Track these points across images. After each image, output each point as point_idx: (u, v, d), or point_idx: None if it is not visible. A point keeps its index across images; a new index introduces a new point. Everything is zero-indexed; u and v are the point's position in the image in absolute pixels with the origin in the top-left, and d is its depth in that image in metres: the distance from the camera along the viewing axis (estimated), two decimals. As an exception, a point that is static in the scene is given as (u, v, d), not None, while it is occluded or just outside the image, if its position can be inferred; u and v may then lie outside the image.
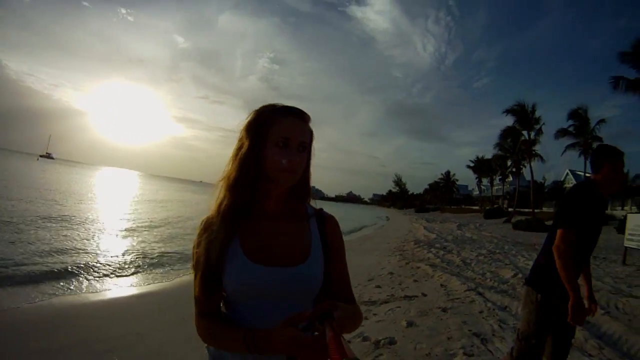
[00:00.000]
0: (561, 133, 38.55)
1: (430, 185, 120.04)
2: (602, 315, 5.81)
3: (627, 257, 12.43)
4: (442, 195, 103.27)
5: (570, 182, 62.05)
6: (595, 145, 32.71)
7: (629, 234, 12.31)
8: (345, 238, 1.46)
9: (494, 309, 5.93)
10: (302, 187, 1.30)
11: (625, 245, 12.43)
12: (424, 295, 6.86)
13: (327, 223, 1.34)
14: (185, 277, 8.56)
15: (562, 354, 2.72)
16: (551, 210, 48.36)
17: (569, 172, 65.34)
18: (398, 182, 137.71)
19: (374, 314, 5.67)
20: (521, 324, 2.77)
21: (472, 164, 71.86)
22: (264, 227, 1.25)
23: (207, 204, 1.30)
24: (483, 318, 5.50)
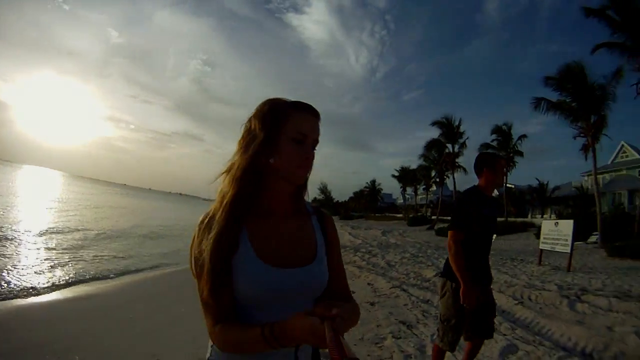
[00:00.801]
0: (484, 147, 43.69)
1: (355, 193, 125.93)
2: (515, 305, 7.66)
3: (542, 259, 15.51)
4: (367, 203, 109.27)
5: (495, 192, 66.95)
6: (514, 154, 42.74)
7: (543, 238, 15.48)
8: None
9: (417, 302, 7.37)
10: (305, 185, 1.43)
11: (540, 247, 15.56)
12: (353, 292, 5.81)
13: (327, 221, 1.54)
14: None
15: (483, 330, 3.67)
16: None
17: None
18: (323, 189, 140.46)
19: None
20: (441, 309, 3.71)
21: (397, 174, 78.80)
22: (272, 226, 1.35)
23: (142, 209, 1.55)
24: (408, 309, 6.88)
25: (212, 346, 1.36)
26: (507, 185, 50.81)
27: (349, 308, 1.24)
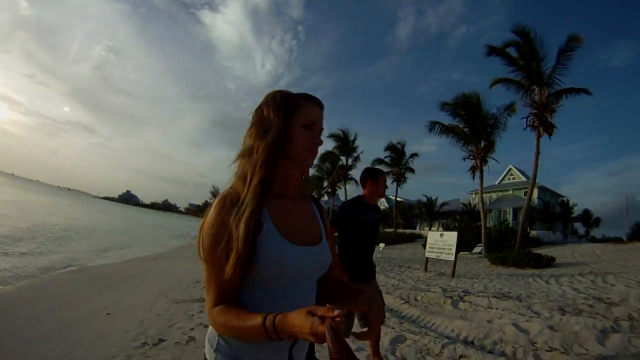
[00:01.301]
0: (377, 162, 47.07)
1: None
2: (402, 304, 8.49)
3: (428, 266, 17.18)
4: None
5: (383, 204, 74.53)
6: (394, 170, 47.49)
7: (429, 247, 17.21)
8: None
9: None
10: (307, 172, 1.58)
11: (426, 256, 17.21)
12: None
13: (322, 209, 1.67)
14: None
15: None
16: None
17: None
18: (215, 193, 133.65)
19: None
20: None
21: None
22: (288, 207, 1.46)
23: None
24: None
25: (218, 335, 1.39)
26: (397, 199, 53.60)
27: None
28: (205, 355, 1.43)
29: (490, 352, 5.66)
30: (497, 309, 8.20)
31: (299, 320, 1.06)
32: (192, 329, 5.80)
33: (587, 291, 10.92)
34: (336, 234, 4.38)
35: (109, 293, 7.45)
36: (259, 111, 1.47)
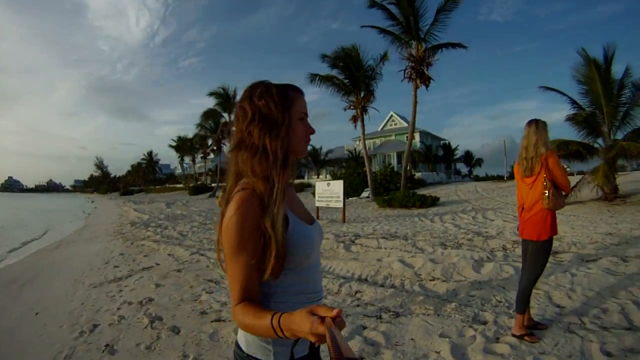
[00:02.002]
0: None
1: (132, 166, 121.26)
2: None
3: (319, 214, 17.85)
4: (146, 176, 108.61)
5: None
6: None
7: (318, 197, 17.77)
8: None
9: (217, 263, 8.02)
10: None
11: (317, 205, 17.77)
12: (158, 264, 8.92)
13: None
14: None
15: None
16: None
17: None
18: (100, 165, 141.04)
19: (125, 286, 7.14)
20: None
21: (174, 144, 79.63)
22: (291, 194, 1.62)
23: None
24: (210, 270, 7.98)
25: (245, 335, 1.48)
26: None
27: None
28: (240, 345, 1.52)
29: (382, 285, 6.38)
30: (385, 248, 9.03)
31: (300, 319, 1.10)
32: (118, 308, 5.91)
33: (467, 227, 12.15)
34: None
35: (28, 292, 7.13)
36: (258, 104, 1.46)
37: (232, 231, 1.34)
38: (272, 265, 1.34)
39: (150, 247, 11.40)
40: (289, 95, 1.50)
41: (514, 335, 4.14)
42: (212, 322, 5.12)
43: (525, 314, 4.18)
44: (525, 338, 4.04)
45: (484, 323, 4.60)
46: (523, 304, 4.15)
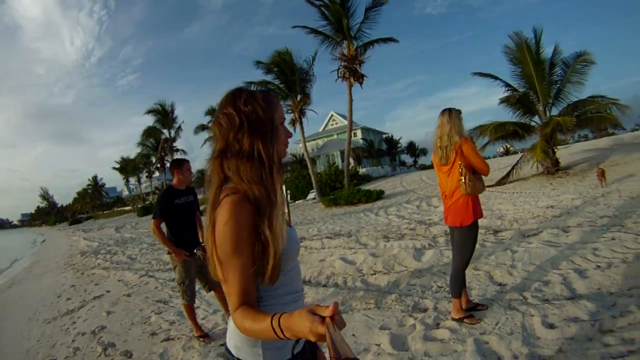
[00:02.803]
0: (200, 128, 48.04)
1: (79, 193, 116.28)
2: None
3: None
4: (93, 201, 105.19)
5: None
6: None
7: None
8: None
9: (165, 282, 8.61)
10: None
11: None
12: (108, 291, 8.89)
13: None
14: None
15: (214, 281, 5.08)
16: (200, 196, 55.49)
17: None
18: (45, 195, 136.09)
19: (78, 317, 7.05)
20: (177, 277, 5.06)
21: (117, 165, 76.95)
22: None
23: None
24: (159, 290, 8.06)
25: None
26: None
27: None
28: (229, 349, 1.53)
29: (324, 285, 6.32)
30: (329, 247, 8.93)
31: (300, 319, 1.10)
32: (73, 340, 5.84)
33: (411, 216, 12.18)
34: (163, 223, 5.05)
35: (-16, 336, 6.96)
36: (246, 111, 1.45)
37: (227, 235, 1.33)
38: (272, 270, 1.37)
39: (100, 274, 11.23)
40: (271, 101, 1.51)
41: (453, 319, 4.09)
42: (161, 341, 5.22)
43: (462, 297, 4.17)
44: (465, 320, 4.00)
45: (424, 310, 4.55)
46: (457, 288, 4.13)
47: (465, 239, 4.09)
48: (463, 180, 3.95)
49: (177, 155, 51.76)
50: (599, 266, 4.85)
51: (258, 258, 1.35)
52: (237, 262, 1.33)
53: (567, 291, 4.33)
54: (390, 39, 25.96)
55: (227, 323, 4.37)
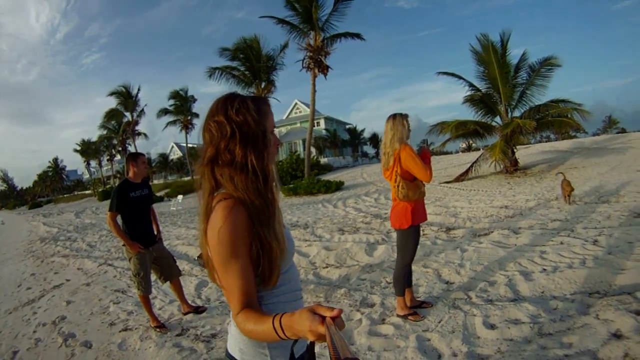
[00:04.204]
0: (162, 112, 48.34)
1: (39, 175, 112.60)
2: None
3: None
4: (53, 185, 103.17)
5: (176, 153, 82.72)
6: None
7: None
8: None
9: (123, 271, 8.63)
10: None
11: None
12: (68, 280, 8.84)
13: None
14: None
15: (170, 273, 5.46)
16: (162, 181, 65.72)
17: (174, 144, 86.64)
18: (4, 178, 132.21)
19: (39, 307, 6.97)
20: (132, 268, 5.07)
21: (78, 148, 75.28)
22: None
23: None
24: (118, 279, 8.13)
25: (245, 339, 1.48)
26: (189, 145, 53.20)
27: None
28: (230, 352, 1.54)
29: (276, 278, 6.30)
30: (284, 239, 8.90)
31: (300, 319, 1.10)
32: (34, 331, 5.79)
33: (368, 210, 12.30)
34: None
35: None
36: (237, 120, 1.43)
37: (223, 240, 1.33)
38: (274, 275, 1.41)
39: (60, 263, 11.07)
40: (263, 110, 1.50)
41: (398, 316, 4.19)
42: (120, 332, 5.26)
43: (406, 295, 4.27)
44: (409, 317, 4.10)
45: (371, 306, 4.65)
46: (400, 287, 4.23)
47: (403, 241, 4.21)
48: (396, 186, 4.10)
49: (139, 139, 51.51)
50: (544, 269, 4.98)
51: (257, 262, 1.37)
52: (235, 266, 1.33)
53: (511, 293, 4.45)
54: (357, 35, 26.19)
55: (182, 313, 4.45)
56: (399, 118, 4.12)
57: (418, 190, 4.08)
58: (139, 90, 50.34)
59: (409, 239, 4.15)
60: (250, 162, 1.41)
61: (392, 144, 4.11)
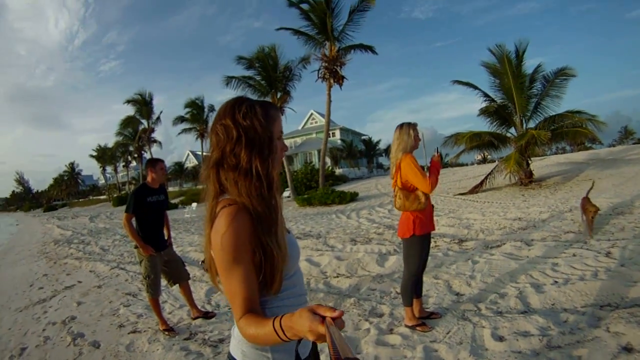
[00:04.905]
0: (178, 120, 47.64)
1: (55, 179, 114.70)
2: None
3: None
4: (68, 189, 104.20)
5: (192, 161, 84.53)
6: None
7: None
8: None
9: (135, 275, 8.61)
10: None
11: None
12: (80, 282, 8.91)
13: None
14: None
15: (179, 276, 5.54)
16: (177, 188, 66.99)
17: (189, 152, 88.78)
18: (20, 180, 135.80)
19: (50, 307, 7.09)
20: (143, 271, 5.17)
21: (95, 153, 77.72)
22: None
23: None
24: (129, 283, 8.14)
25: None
26: (205, 154, 53.42)
27: None
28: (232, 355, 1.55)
29: (287, 286, 6.34)
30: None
31: (300, 319, 1.09)
32: (44, 329, 5.89)
33: (381, 221, 12.25)
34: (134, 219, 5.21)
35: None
36: (244, 125, 1.44)
37: (226, 246, 1.33)
38: (278, 281, 1.41)
39: (72, 265, 11.18)
40: (271, 115, 1.49)
41: (407, 326, 4.18)
42: (128, 333, 5.32)
43: (414, 306, 4.27)
44: (417, 328, 4.09)
45: (380, 316, 4.64)
46: (408, 297, 4.23)
47: (408, 251, 4.22)
48: (395, 196, 4.22)
49: (155, 146, 52.14)
50: (556, 282, 4.93)
51: (260, 268, 1.37)
52: (237, 272, 1.33)
53: (521, 305, 4.42)
54: (369, 48, 26.25)
55: (192, 318, 4.48)
56: (405, 127, 4.14)
57: (417, 201, 4.07)
58: (151, 98, 50.91)
59: (412, 248, 4.15)
60: (255, 168, 1.41)
61: (396, 154, 4.16)
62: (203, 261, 1.53)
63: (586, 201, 7.48)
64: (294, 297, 1.53)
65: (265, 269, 1.38)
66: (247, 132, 1.42)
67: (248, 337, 1.32)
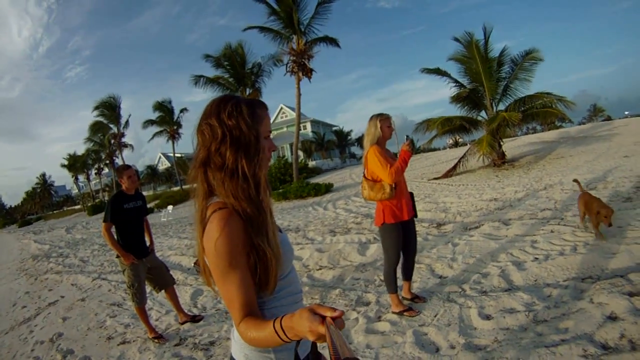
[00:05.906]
0: (148, 123, 47.71)
1: (27, 193, 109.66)
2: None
3: None
4: (42, 201, 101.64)
5: (164, 163, 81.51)
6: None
7: None
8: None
9: (118, 285, 8.56)
10: None
11: None
12: (63, 297, 8.75)
13: None
14: None
15: (164, 282, 5.49)
16: (151, 192, 64.24)
17: (161, 155, 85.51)
18: None
19: (35, 325, 6.90)
20: (127, 280, 5.14)
21: (66, 163, 73.12)
22: None
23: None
24: (112, 293, 8.08)
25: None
26: (177, 155, 52.96)
27: None
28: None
29: (270, 282, 6.35)
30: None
31: (300, 319, 1.09)
32: (32, 350, 5.80)
33: (358, 210, 12.30)
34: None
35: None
36: (229, 124, 1.42)
37: (221, 252, 1.32)
38: (273, 281, 1.40)
39: (53, 279, 10.99)
40: (258, 114, 1.47)
41: (394, 313, 4.22)
42: (118, 345, 5.29)
43: (398, 292, 4.33)
44: (405, 313, 4.15)
45: (367, 304, 4.69)
46: (391, 285, 4.30)
47: (383, 239, 4.31)
48: (362, 186, 4.32)
49: (126, 151, 51.51)
50: (536, 258, 5.04)
51: (255, 270, 1.36)
52: (234, 277, 1.32)
53: (505, 283, 4.50)
54: (333, 41, 26.26)
55: (180, 323, 4.48)
56: (373, 119, 4.22)
57: (382, 191, 4.12)
58: (119, 102, 49.81)
59: (385, 236, 4.23)
60: (241, 168, 1.40)
61: (365, 146, 4.26)
62: (196, 263, 1.52)
63: (592, 199, 5.50)
64: (291, 295, 1.53)
65: (260, 271, 1.37)
66: (232, 131, 1.40)
67: (249, 341, 1.31)
